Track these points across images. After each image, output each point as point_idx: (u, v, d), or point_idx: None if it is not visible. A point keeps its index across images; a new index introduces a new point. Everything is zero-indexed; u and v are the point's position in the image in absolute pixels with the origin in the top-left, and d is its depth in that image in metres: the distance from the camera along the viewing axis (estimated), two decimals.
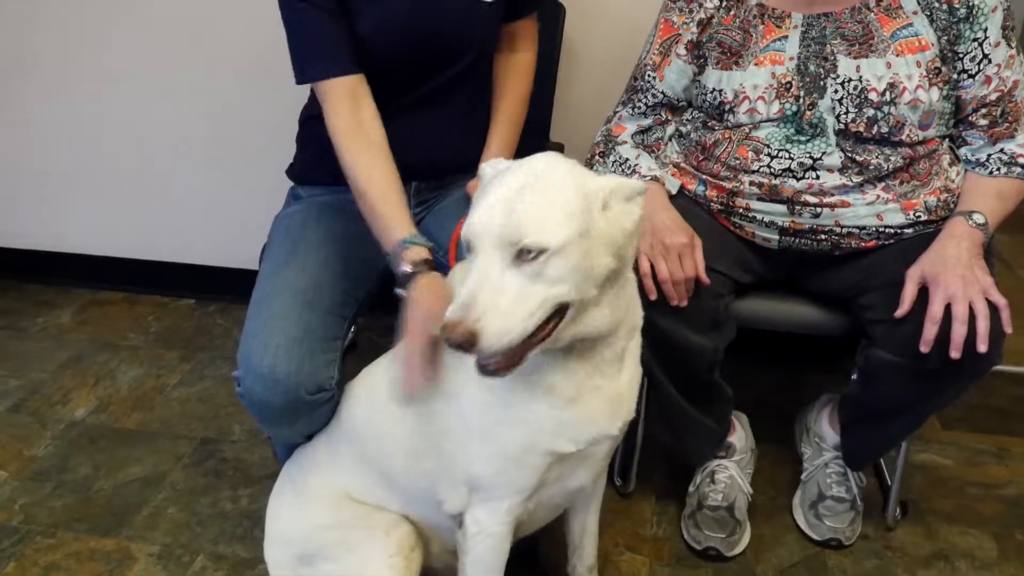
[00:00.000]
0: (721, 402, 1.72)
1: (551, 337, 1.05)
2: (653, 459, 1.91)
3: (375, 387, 1.37)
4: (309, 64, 1.45)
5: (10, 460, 1.98)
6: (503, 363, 1.04)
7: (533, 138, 2.05)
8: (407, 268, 1.30)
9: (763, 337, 2.26)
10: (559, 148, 2.05)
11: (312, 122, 1.62)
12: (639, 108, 1.67)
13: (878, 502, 1.83)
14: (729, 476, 1.76)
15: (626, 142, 1.67)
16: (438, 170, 1.65)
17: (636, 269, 1.31)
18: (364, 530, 1.36)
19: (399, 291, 1.33)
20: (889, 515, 1.78)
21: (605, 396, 1.21)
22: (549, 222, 0.99)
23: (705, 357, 1.58)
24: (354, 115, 1.43)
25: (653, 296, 1.47)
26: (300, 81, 1.47)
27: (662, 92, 1.64)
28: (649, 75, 1.65)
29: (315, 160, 1.61)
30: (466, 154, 1.62)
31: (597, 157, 1.69)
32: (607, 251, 1.05)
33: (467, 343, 0.97)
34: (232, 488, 1.89)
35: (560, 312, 1.04)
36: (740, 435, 1.81)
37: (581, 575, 1.53)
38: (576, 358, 1.16)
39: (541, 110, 2.07)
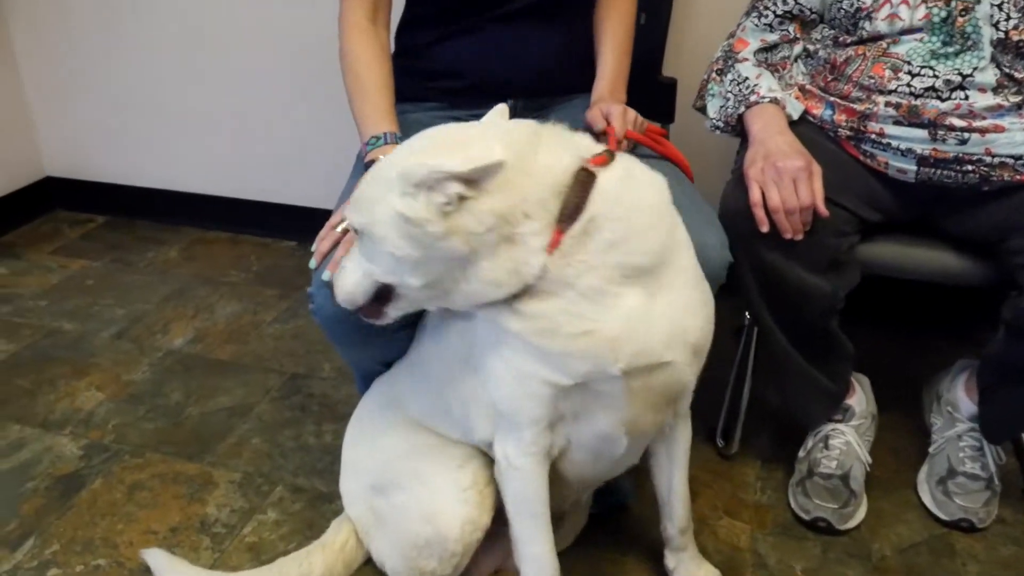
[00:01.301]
0: (839, 358, 1.55)
1: (391, 307, 1.13)
2: (759, 419, 1.76)
3: None
4: None
5: (108, 383, 2.01)
6: (364, 312, 1.15)
7: (644, 72, 1.92)
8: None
9: (888, 295, 2.07)
10: (671, 84, 1.90)
11: (402, 33, 1.57)
12: (766, 18, 1.50)
13: (1019, 484, 1.62)
14: (845, 442, 1.58)
15: (747, 59, 1.50)
16: (533, 88, 1.54)
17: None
18: (438, 461, 1.28)
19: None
20: None
21: (598, 338, 1.06)
22: (358, 203, 1.08)
23: (822, 301, 1.41)
24: (370, 16, 1.46)
25: (764, 228, 1.31)
26: None
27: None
28: None
29: (404, 73, 1.53)
30: (563, 76, 1.51)
31: (714, 75, 1.53)
32: (405, 242, 1.02)
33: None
34: (316, 423, 1.86)
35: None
36: (860, 398, 1.63)
37: (672, 537, 1.39)
38: (529, 302, 1.05)
39: (653, 43, 1.93)
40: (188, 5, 2.49)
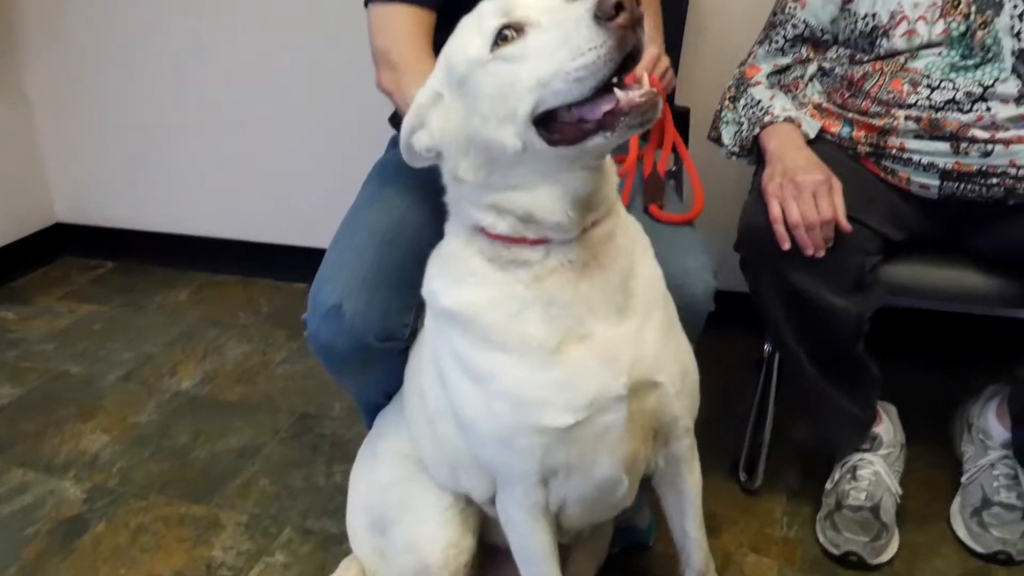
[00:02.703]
0: (866, 384, 1.50)
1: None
2: (784, 453, 1.70)
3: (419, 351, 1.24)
4: None
5: (114, 425, 1.97)
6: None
7: None
8: None
9: (917, 323, 2.02)
10: (684, 113, 1.88)
11: None
12: (776, 43, 1.49)
13: None
14: (874, 472, 1.52)
15: (760, 83, 1.48)
16: None
17: None
18: (421, 483, 1.24)
19: None
20: None
21: (598, 344, 1.00)
22: None
23: (847, 323, 1.37)
24: (424, 46, 1.29)
25: (786, 245, 1.27)
26: None
27: (804, 22, 1.46)
28: (790, 6, 1.46)
29: None
30: None
31: (727, 103, 1.51)
32: None
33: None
34: (327, 463, 1.81)
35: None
36: (887, 427, 1.57)
37: None
38: (561, 289, 0.98)
39: None
40: (198, 52, 2.51)
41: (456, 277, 1.03)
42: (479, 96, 0.90)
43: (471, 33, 0.91)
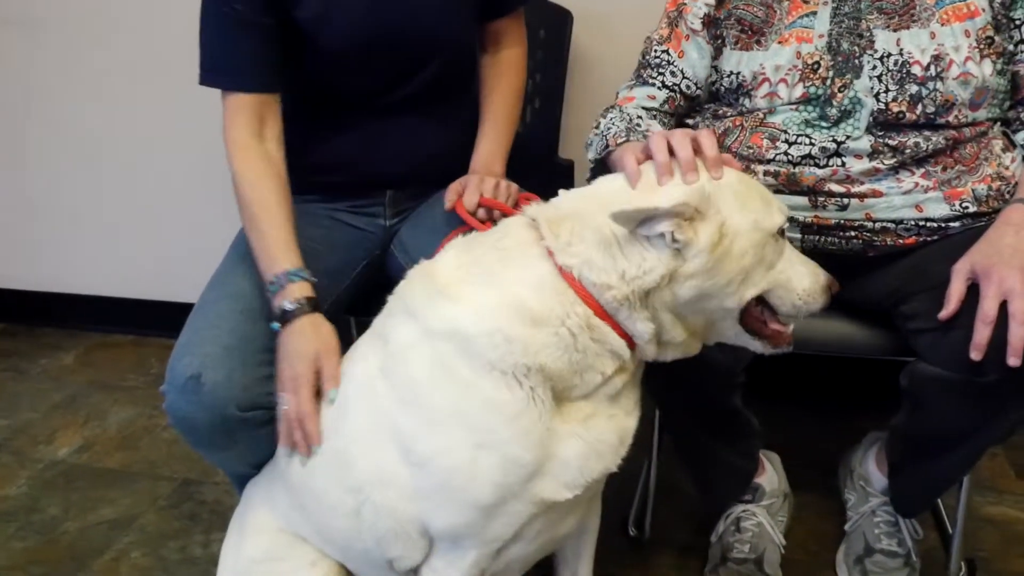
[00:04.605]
0: (745, 435, 1.49)
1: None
2: (673, 506, 1.69)
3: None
4: (216, 71, 1.34)
5: None
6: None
7: (541, 155, 1.91)
8: (288, 304, 1.19)
9: (808, 376, 2.04)
10: (568, 165, 1.90)
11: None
12: (650, 82, 1.45)
13: (940, 560, 1.56)
14: (757, 524, 1.51)
15: (634, 106, 1.43)
16: (415, 178, 1.50)
17: None
18: (290, 562, 1.19)
19: (275, 325, 1.20)
20: (951, 575, 1.51)
21: (616, 426, 1.09)
22: None
23: (721, 376, 1.36)
24: (256, 132, 1.32)
25: None
26: (203, 82, 1.34)
27: (681, 71, 1.43)
28: (657, 49, 1.44)
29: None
30: (447, 162, 1.46)
31: (592, 129, 1.41)
32: None
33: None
34: (205, 532, 1.73)
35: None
36: (770, 476, 1.57)
37: None
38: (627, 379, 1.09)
39: (549, 126, 1.94)
40: (85, 109, 2.44)
41: (564, 348, 1.03)
42: (757, 256, 1.04)
43: (770, 211, 1.07)
